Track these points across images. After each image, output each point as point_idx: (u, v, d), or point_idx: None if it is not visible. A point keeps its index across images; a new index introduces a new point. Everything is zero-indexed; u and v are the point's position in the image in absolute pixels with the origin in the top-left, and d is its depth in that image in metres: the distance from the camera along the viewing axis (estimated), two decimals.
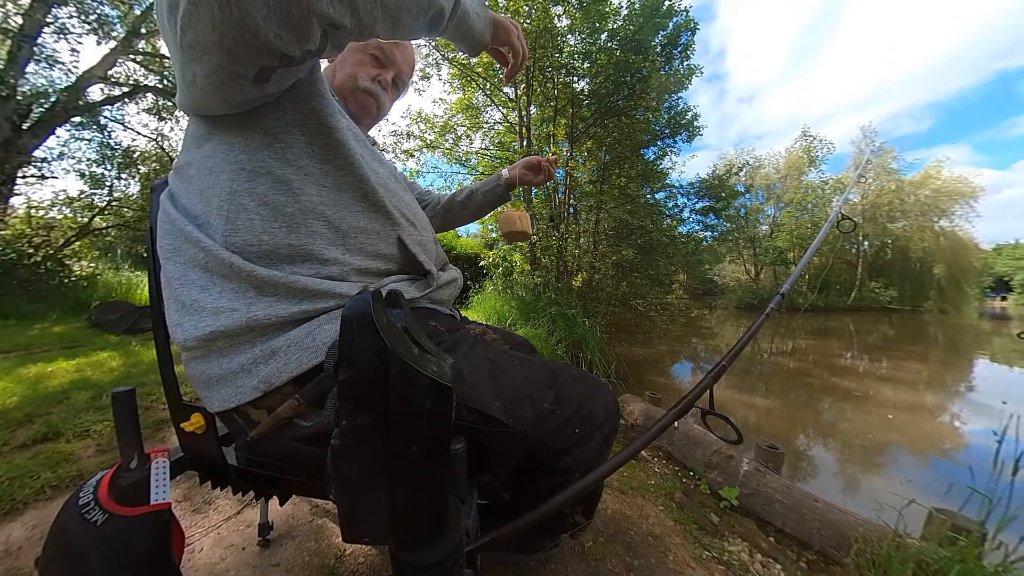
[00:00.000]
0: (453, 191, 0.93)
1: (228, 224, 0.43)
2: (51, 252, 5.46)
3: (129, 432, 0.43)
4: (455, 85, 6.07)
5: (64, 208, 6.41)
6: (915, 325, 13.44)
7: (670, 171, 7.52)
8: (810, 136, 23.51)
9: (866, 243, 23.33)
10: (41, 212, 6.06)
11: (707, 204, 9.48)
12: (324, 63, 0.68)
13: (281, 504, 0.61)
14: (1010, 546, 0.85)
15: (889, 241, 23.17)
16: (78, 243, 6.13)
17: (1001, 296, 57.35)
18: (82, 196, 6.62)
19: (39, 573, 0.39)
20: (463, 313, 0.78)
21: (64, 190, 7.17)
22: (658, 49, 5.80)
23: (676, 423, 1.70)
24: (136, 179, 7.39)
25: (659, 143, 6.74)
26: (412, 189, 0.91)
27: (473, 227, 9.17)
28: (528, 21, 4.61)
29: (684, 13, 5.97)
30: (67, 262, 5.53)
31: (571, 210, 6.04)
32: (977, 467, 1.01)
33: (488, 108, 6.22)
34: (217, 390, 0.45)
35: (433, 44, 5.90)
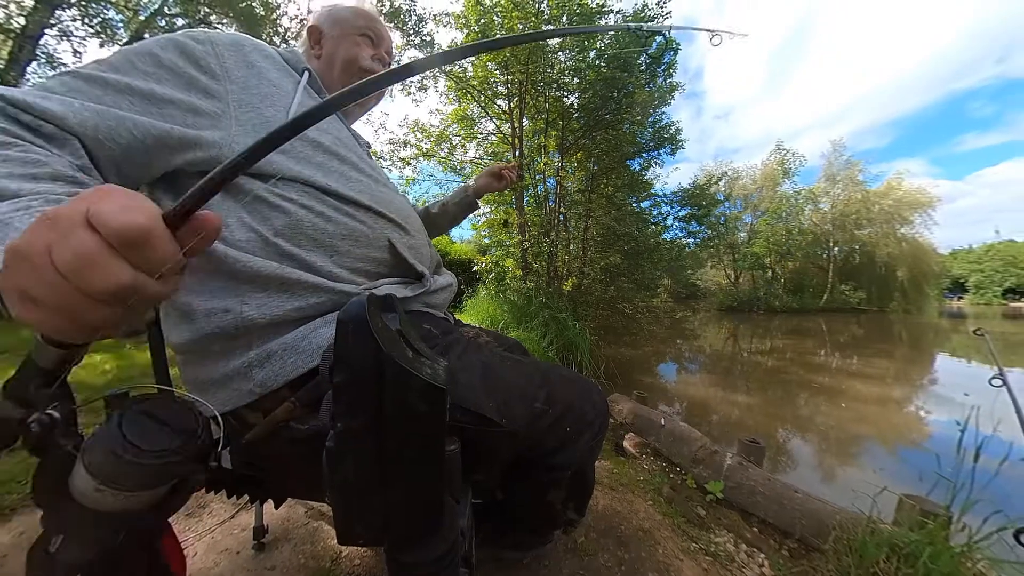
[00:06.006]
0: (428, 203, 0.99)
1: None
2: None
3: None
4: (451, 97, 6.16)
5: None
6: (882, 324, 14.19)
7: (654, 181, 7.80)
8: (784, 150, 24.73)
9: (836, 249, 24.62)
10: None
11: (689, 212, 9.80)
12: (301, 48, 0.66)
13: (276, 507, 0.60)
14: (974, 527, 0.91)
15: (857, 247, 24.55)
16: None
17: (958, 296, 61.49)
18: None
19: None
20: (457, 317, 0.79)
21: None
22: (642, 67, 6.04)
23: (663, 421, 1.74)
24: None
25: (644, 155, 6.97)
26: None
27: (467, 233, 9.21)
28: None
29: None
30: None
31: (561, 217, 6.13)
32: (942, 455, 1.07)
33: (482, 119, 6.31)
34: (213, 394, 0.44)
35: None
